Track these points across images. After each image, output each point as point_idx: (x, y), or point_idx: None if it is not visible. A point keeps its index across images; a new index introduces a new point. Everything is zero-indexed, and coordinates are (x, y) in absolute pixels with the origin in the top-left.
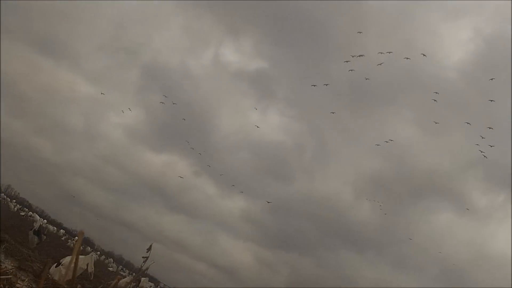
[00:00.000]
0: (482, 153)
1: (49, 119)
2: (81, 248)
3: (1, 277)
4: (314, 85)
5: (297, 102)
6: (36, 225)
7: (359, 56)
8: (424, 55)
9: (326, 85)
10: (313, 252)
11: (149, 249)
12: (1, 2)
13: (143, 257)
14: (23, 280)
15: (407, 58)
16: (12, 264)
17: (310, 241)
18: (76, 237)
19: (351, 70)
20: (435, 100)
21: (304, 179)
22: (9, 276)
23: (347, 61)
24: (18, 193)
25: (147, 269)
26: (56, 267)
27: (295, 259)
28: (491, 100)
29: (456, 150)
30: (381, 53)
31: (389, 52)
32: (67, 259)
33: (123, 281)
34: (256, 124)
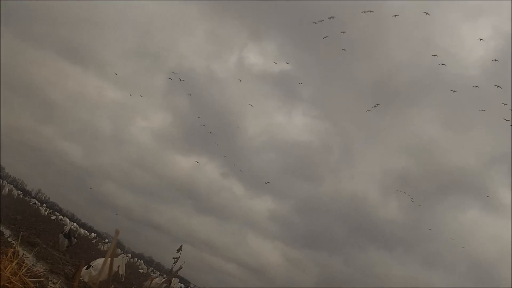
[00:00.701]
0: None
1: (78, 124)
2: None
3: (33, 279)
4: (326, 37)
5: (322, 103)
6: (67, 229)
7: (369, 11)
8: (435, 55)
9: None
10: (341, 251)
11: (179, 250)
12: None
13: (173, 258)
14: (55, 283)
15: (434, 56)
16: (43, 267)
17: (339, 240)
18: (107, 240)
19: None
20: (453, 91)
21: (331, 178)
22: (41, 279)
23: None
24: (49, 197)
25: (179, 269)
26: (86, 269)
27: (324, 258)
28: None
29: (480, 146)
30: (364, 12)
31: (370, 11)
32: (97, 261)
33: (155, 281)
34: (282, 125)
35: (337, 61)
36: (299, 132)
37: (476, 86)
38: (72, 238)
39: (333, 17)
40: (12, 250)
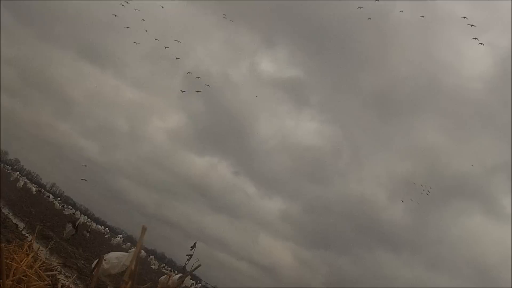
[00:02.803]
0: None
1: (95, 122)
2: (126, 245)
3: (47, 273)
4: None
5: (330, 108)
6: (77, 222)
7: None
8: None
9: None
10: (350, 252)
11: (193, 247)
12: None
13: (187, 255)
14: (68, 277)
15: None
16: (57, 261)
17: (348, 240)
18: (120, 235)
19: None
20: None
21: (339, 181)
22: (55, 273)
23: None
24: (63, 191)
25: (196, 268)
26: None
27: (333, 258)
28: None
29: (482, 154)
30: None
31: (360, 8)
32: (110, 255)
33: (174, 278)
34: (292, 129)
35: (344, 70)
36: (308, 136)
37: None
38: (84, 232)
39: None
40: (28, 243)
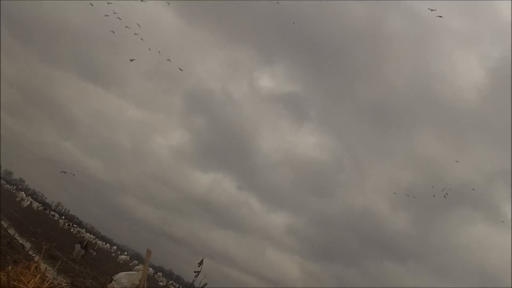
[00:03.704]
0: None
1: (99, 140)
2: (133, 263)
3: None
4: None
5: (329, 121)
6: (84, 241)
7: None
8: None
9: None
10: (357, 263)
11: (200, 263)
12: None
13: (195, 272)
14: None
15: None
16: (65, 281)
17: (354, 252)
18: (126, 253)
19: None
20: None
21: (342, 193)
22: None
23: None
24: (68, 210)
25: (204, 286)
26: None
27: (340, 271)
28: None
29: (479, 163)
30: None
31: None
32: (119, 275)
33: None
34: (294, 143)
35: (341, 84)
36: (310, 149)
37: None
38: (89, 250)
39: None
40: (35, 264)
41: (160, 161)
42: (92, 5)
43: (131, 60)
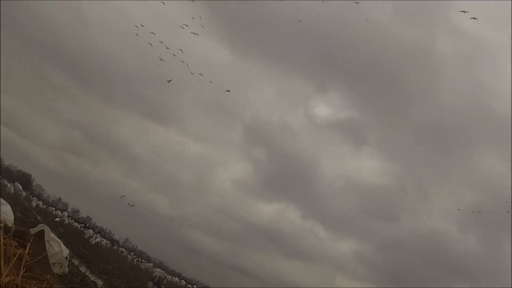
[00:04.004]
0: None
1: (162, 177)
2: None
3: None
4: None
5: (388, 145)
6: (156, 277)
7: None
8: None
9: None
10: (427, 286)
11: None
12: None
13: None
14: None
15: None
16: None
17: (424, 276)
18: (195, 286)
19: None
20: None
21: (408, 216)
22: None
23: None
24: (136, 245)
25: None
26: None
27: None
28: None
29: None
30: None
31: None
32: None
33: None
34: (355, 169)
35: (397, 107)
36: (371, 174)
37: None
38: (161, 285)
39: None
40: None
41: (223, 194)
42: (137, 34)
43: (169, 81)
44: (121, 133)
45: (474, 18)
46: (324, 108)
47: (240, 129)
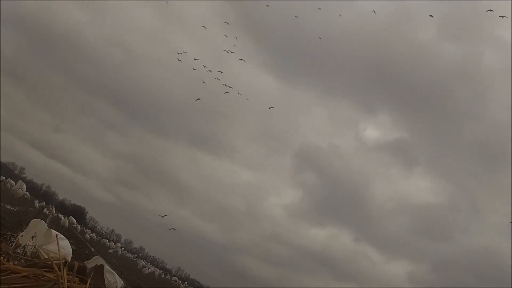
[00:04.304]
0: None
1: (214, 205)
2: None
3: None
4: None
5: (439, 164)
6: None
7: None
8: None
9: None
10: None
11: None
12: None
13: None
14: None
15: None
16: None
17: None
18: None
19: None
20: None
21: (461, 235)
22: None
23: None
24: (189, 274)
25: None
26: None
27: None
28: None
29: None
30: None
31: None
32: None
33: None
34: (406, 189)
35: (446, 125)
36: (423, 194)
37: None
38: None
39: None
40: None
41: (275, 220)
42: (179, 60)
43: (197, 100)
44: (173, 164)
45: (503, 17)
46: (373, 131)
47: (290, 155)
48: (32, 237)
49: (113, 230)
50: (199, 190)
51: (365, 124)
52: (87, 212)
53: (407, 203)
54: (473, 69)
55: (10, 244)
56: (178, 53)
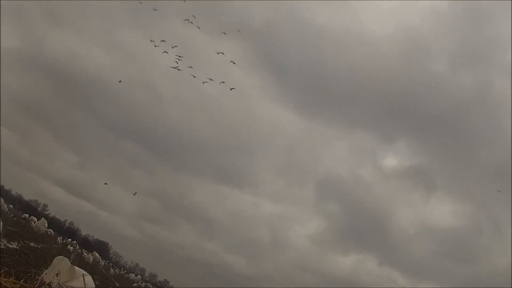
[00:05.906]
0: None
1: (239, 238)
2: None
3: None
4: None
5: (459, 187)
6: None
7: None
8: None
9: None
10: None
11: None
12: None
13: None
14: None
15: None
16: None
17: None
18: None
19: None
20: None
21: (486, 256)
22: None
23: None
24: None
25: None
26: None
27: None
28: None
29: None
30: None
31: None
32: None
33: None
34: (428, 214)
35: (463, 149)
36: (445, 217)
37: None
38: None
39: None
40: None
41: (300, 250)
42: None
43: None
44: (197, 199)
45: None
46: (392, 158)
47: (312, 186)
48: (56, 274)
49: (137, 264)
50: (224, 223)
51: (384, 152)
52: (111, 247)
53: (429, 226)
54: (486, 95)
55: (35, 282)
56: (203, 82)
